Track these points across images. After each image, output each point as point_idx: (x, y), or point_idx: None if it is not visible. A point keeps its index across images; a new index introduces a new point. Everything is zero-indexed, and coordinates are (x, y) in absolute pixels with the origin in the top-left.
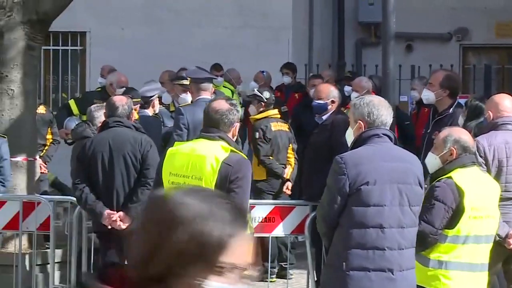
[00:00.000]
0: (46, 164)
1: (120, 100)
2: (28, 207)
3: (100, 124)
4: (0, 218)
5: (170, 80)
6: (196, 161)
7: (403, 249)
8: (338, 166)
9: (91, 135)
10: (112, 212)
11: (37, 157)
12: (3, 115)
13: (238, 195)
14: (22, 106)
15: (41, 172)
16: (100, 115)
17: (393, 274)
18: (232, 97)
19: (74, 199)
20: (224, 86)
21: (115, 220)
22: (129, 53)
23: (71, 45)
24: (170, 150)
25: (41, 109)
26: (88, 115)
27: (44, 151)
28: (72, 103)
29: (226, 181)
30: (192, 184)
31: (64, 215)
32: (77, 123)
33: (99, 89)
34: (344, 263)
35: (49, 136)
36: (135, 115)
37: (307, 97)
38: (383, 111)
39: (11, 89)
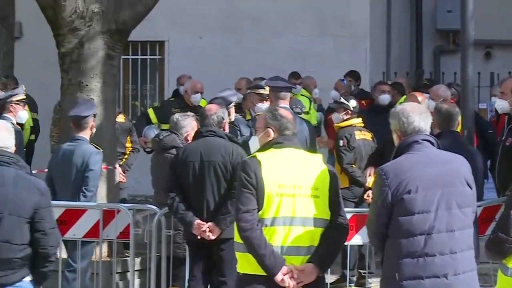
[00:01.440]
0: (125, 172)
1: (211, 109)
2: (108, 215)
3: (186, 134)
4: (81, 226)
5: (247, 88)
6: (312, 172)
7: (455, 252)
8: (380, 177)
9: (180, 144)
10: (202, 222)
11: (117, 165)
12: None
13: (341, 202)
14: (102, 115)
15: (120, 181)
16: (187, 124)
17: (447, 279)
18: (310, 105)
19: (154, 207)
20: (301, 94)
21: (205, 230)
22: (207, 62)
23: (150, 54)
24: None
25: (120, 118)
26: (174, 125)
27: (124, 159)
28: (150, 112)
29: (335, 189)
30: (306, 194)
31: (143, 223)
32: (156, 132)
33: (173, 98)
34: (396, 273)
35: (128, 145)
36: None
37: (374, 103)
38: (414, 118)
39: (91, 98)
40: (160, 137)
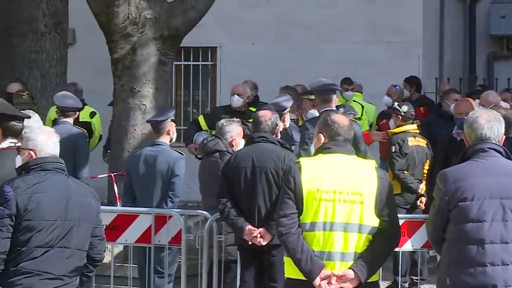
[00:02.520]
0: None
1: (264, 115)
2: (160, 221)
3: (231, 139)
4: (133, 231)
5: (300, 94)
6: (356, 177)
7: (508, 264)
8: (440, 182)
9: (223, 149)
10: (253, 228)
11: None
12: (135, 129)
13: (394, 208)
14: None
15: None
16: (231, 129)
17: None
18: (362, 111)
19: (206, 213)
20: (354, 100)
21: (256, 236)
22: (259, 69)
23: (202, 60)
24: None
25: None
26: (218, 130)
27: None
28: (201, 118)
29: (384, 194)
30: (349, 200)
31: (195, 229)
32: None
33: (227, 104)
34: (447, 278)
35: None
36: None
37: (440, 109)
38: (480, 125)
39: (144, 104)
40: (204, 142)
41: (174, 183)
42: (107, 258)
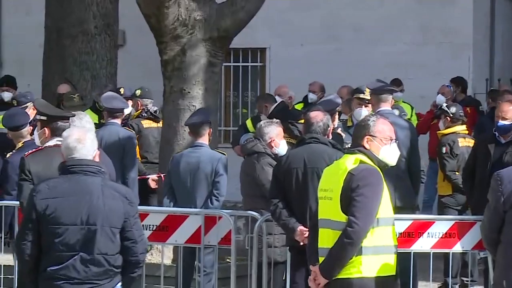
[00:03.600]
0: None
1: (316, 116)
2: (210, 222)
3: (270, 140)
4: (183, 232)
5: (349, 94)
6: (332, 175)
7: None
8: (495, 182)
9: (261, 150)
10: (304, 228)
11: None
12: (185, 130)
13: (360, 203)
14: None
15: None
16: (269, 131)
17: None
18: (411, 111)
19: (255, 213)
20: (403, 102)
21: (308, 237)
22: (308, 70)
23: (251, 62)
24: (326, 168)
25: (161, 124)
26: (257, 131)
27: None
28: (248, 122)
29: (348, 190)
30: (326, 196)
31: (244, 230)
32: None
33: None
34: (504, 281)
35: None
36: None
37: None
38: None
39: (193, 105)
40: (244, 143)
41: (219, 183)
42: (157, 259)
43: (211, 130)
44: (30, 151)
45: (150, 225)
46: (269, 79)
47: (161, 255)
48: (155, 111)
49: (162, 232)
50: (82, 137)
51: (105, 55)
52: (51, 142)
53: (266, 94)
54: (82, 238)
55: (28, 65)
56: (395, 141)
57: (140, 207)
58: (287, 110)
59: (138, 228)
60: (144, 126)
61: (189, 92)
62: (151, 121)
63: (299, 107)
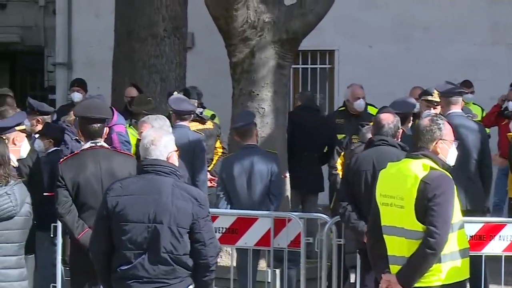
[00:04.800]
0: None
1: (387, 118)
2: (279, 224)
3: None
4: (252, 234)
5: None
6: (398, 182)
7: None
8: None
9: None
10: None
11: (287, 174)
12: None
13: (437, 213)
14: (273, 124)
15: (210, 186)
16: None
17: None
18: (482, 114)
19: (325, 216)
20: (473, 103)
21: (367, 242)
22: (377, 71)
23: (320, 63)
24: (382, 171)
25: (209, 125)
26: (361, 136)
27: (212, 165)
28: None
29: (424, 199)
30: (393, 203)
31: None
32: None
33: (342, 108)
34: None
35: (220, 150)
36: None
37: None
38: None
39: (262, 108)
40: (352, 148)
41: (276, 182)
42: (227, 262)
43: (257, 131)
44: (65, 157)
45: (219, 227)
46: (337, 81)
47: (230, 258)
48: (201, 113)
49: (232, 234)
50: (157, 138)
51: (174, 58)
52: (86, 145)
53: None
54: (149, 236)
55: (98, 68)
56: (456, 142)
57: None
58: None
59: (209, 230)
60: (191, 129)
61: (258, 95)
62: (198, 123)
63: (373, 110)
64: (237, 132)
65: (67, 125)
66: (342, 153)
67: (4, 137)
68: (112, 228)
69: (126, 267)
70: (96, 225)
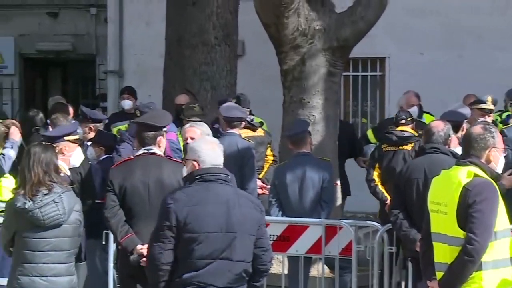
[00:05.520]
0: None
1: (437, 126)
2: (331, 232)
3: None
4: (304, 242)
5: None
6: (444, 188)
7: None
8: None
9: None
10: None
11: (338, 182)
12: None
13: (477, 219)
14: (323, 131)
15: (261, 193)
16: None
17: None
18: None
19: (376, 224)
20: None
21: (420, 249)
22: (429, 78)
23: (370, 71)
24: (434, 178)
25: (260, 132)
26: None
27: (263, 172)
28: (369, 132)
29: (465, 206)
30: (439, 210)
31: (365, 240)
32: (371, 150)
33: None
34: None
35: (270, 157)
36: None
37: None
38: None
39: (313, 115)
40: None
41: (327, 189)
42: (278, 269)
43: (311, 139)
44: (118, 162)
45: (271, 235)
46: (388, 88)
47: (282, 266)
48: (252, 120)
49: (283, 242)
50: (214, 146)
51: (225, 66)
52: (139, 152)
53: None
54: (222, 245)
55: (149, 76)
56: (506, 151)
57: None
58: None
59: (267, 236)
60: (242, 136)
61: (308, 102)
62: (249, 130)
63: (429, 118)
64: (291, 140)
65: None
66: (377, 165)
67: (54, 146)
68: (181, 237)
69: (192, 274)
70: (161, 236)
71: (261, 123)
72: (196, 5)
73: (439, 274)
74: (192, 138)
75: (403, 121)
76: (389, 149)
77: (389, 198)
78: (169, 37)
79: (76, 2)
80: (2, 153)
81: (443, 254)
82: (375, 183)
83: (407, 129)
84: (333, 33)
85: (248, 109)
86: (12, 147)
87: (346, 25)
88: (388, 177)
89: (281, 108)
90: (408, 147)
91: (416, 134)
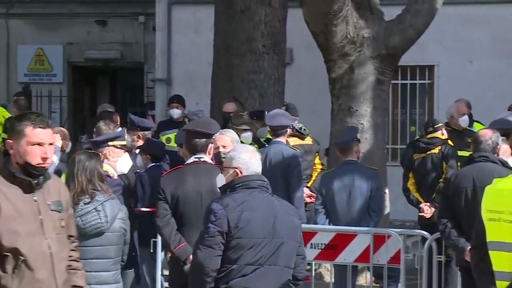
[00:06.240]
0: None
1: (485, 134)
2: (379, 240)
3: None
4: (351, 251)
5: None
6: (505, 197)
7: None
8: None
9: None
10: None
11: (387, 191)
12: None
13: None
14: (371, 139)
15: (308, 202)
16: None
17: None
18: None
19: (425, 232)
20: None
21: (472, 258)
22: (478, 87)
23: (419, 79)
24: (488, 187)
25: (308, 140)
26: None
27: (312, 181)
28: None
29: None
30: (501, 218)
31: (413, 249)
32: None
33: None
34: None
35: (318, 166)
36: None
37: None
38: None
39: (361, 123)
40: None
41: (375, 198)
42: (326, 278)
43: (359, 147)
44: (168, 171)
45: (318, 243)
46: (437, 97)
47: (329, 274)
48: (300, 128)
49: (331, 250)
50: (254, 154)
51: (272, 74)
52: (189, 160)
53: None
54: (269, 251)
55: (197, 84)
56: None
57: (308, 226)
58: None
59: (303, 244)
60: (290, 144)
61: (357, 110)
62: (297, 138)
63: (479, 127)
64: (339, 147)
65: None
66: (410, 174)
67: (99, 153)
68: (230, 243)
69: (239, 279)
70: (211, 242)
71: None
72: (245, 13)
73: (502, 283)
74: (224, 147)
75: (431, 129)
76: (419, 156)
77: (422, 202)
78: (217, 45)
79: (124, 10)
80: None
81: (508, 263)
82: (410, 191)
83: (436, 135)
84: (382, 41)
85: (297, 118)
86: (54, 153)
87: (395, 33)
88: (421, 183)
89: (329, 116)
90: (435, 150)
91: (442, 138)
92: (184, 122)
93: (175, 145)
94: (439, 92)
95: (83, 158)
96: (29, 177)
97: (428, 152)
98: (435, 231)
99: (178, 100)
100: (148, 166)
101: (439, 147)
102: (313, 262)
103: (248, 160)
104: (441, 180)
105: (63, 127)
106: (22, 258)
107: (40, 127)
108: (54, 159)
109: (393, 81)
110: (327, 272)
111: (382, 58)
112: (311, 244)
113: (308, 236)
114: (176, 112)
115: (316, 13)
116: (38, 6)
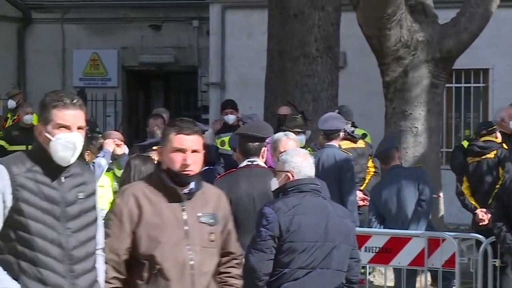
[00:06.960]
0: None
1: None
2: (433, 244)
3: None
4: (406, 254)
5: None
6: None
7: None
8: None
9: None
10: None
11: (441, 194)
12: (407, 152)
13: None
14: (426, 143)
15: (362, 205)
16: None
17: None
18: None
19: (480, 236)
20: None
21: None
22: None
23: (473, 82)
24: None
25: (360, 144)
26: None
27: (365, 184)
28: (465, 142)
29: None
30: None
31: (468, 252)
32: None
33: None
34: None
35: (371, 169)
36: None
37: None
38: None
39: (415, 127)
40: None
41: (425, 201)
42: (380, 281)
43: (400, 154)
44: (221, 174)
45: (373, 247)
46: (492, 100)
47: (384, 278)
48: (352, 131)
49: (386, 254)
50: (307, 157)
51: (326, 78)
52: (242, 164)
53: None
54: (321, 254)
55: (250, 88)
56: None
57: (362, 229)
58: None
59: (357, 247)
60: (343, 147)
61: (411, 114)
62: (349, 142)
63: None
64: (379, 159)
65: None
66: (464, 178)
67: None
68: (282, 247)
69: (291, 283)
70: (263, 246)
71: (364, 135)
72: (298, 17)
73: None
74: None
75: (484, 132)
76: (474, 160)
77: (478, 207)
78: (270, 49)
79: (178, 15)
80: (93, 162)
81: None
82: (464, 196)
83: (490, 138)
84: (436, 45)
85: (351, 121)
86: (103, 156)
87: (449, 36)
88: (476, 187)
89: (383, 119)
90: (491, 155)
91: (498, 141)
92: (238, 125)
93: (229, 148)
94: (494, 95)
95: (138, 163)
96: (177, 186)
97: (483, 157)
98: (490, 235)
99: (231, 106)
100: (202, 170)
101: (495, 152)
102: (367, 266)
103: (300, 163)
104: (497, 186)
105: (118, 131)
106: (158, 266)
107: (182, 133)
108: (103, 163)
109: (447, 85)
110: (381, 275)
111: (436, 62)
112: (365, 247)
113: (362, 239)
114: (231, 118)
115: (370, 17)
116: (93, 11)
